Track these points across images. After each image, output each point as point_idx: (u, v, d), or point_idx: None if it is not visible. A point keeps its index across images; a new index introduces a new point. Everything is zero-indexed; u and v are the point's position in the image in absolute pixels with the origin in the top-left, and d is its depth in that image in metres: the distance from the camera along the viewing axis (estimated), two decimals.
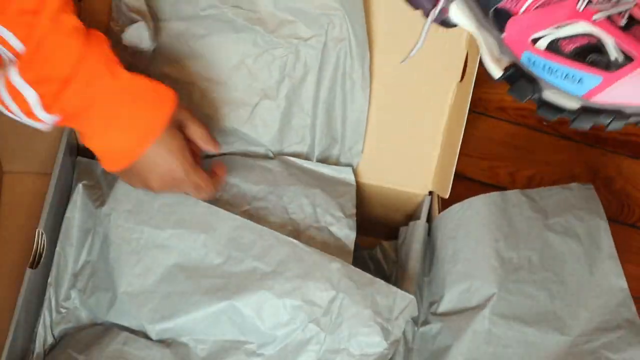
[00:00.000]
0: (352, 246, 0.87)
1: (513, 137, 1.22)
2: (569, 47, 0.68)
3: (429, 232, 0.93)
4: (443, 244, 0.89)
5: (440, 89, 0.90)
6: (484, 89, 1.21)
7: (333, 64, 0.87)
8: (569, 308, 0.85)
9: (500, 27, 0.71)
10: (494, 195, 0.90)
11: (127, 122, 0.75)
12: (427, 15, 0.73)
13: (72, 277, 0.86)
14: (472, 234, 0.88)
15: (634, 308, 0.85)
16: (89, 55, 0.72)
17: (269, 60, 0.87)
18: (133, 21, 0.84)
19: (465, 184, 1.17)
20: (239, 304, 0.79)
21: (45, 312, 0.85)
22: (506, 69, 0.72)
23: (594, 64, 0.67)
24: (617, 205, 1.17)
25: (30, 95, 0.72)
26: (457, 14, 0.73)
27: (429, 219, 0.93)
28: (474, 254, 0.87)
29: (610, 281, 0.86)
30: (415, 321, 0.87)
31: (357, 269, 0.81)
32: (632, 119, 0.67)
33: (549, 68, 0.69)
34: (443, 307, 0.87)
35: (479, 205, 0.89)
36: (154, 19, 0.87)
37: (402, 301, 0.80)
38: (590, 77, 0.67)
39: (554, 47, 0.69)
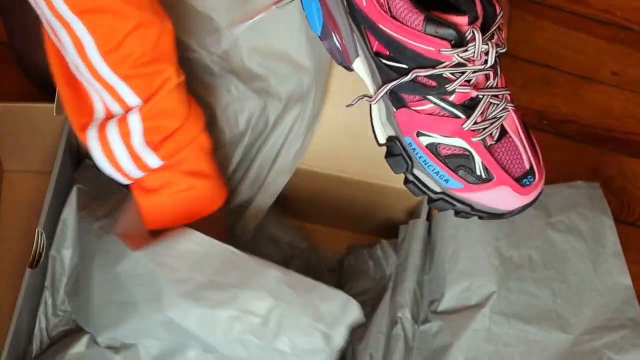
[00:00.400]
0: None
1: None
2: (445, 152, 0.75)
3: (430, 231, 0.93)
4: (443, 243, 0.89)
5: None
6: None
7: (287, 125, 0.89)
8: (571, 306, 0.85)
9: (394, 105, 0.77)
10: None
11: (211, 181, 0.82)
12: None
13: (67, 279, 0.87)
14: (473, 233, 0.88)
15: (638, 306, 0.85)
16: (192, 118, 0.79)
17: (238, 109, 0.88)
18: None
19: None
20: (173, 316, 0.77)
21: (40, 315, 0.85)
22: (390, 140, 0.79)
23: (460, 174, 0.75)
24: (617, 205, 1.17)
25: (137, 129, 0.76)
26: (360, 68, 0.79)
27: (429, 218, 0.93)
28: (475, 252, 0.87)
29: (614, 279, 0.86)
30: (415, 320, 0.87)
31: (298, 275, 0.79)
32: (477, 213, 0.77)
33: (424, 161, 0.76)
34: (443, 305, 0.87)
35: None
36: None
37: (344, 305, 0.78)
38: (455, 181, 0.76)
39: (432, 148, 0.76)
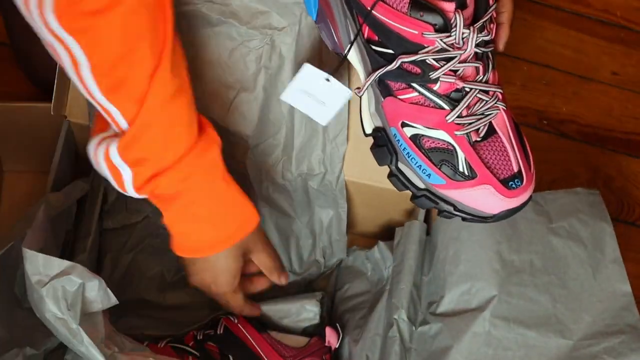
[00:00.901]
0: None
1: None
2: (429, 145, 0.75)
3: (430, 233, 0.92)
4: (444, 245, 0.89)
5: None
6: None
7: (309, 53, 0.87)
8: (571, 312, 0.85)
9: (382, 93, 0.77)
10: None
11: (206, 226, 0.80)
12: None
13: None
14: (475, 236, 0.88)
15: (637, 312, 0.85)
16: (194, 153, 0.74)
17: (244, 52, 0.87)
18: None
19: None
20: None
21: None
22: (376, 130, 0.79)
23: (443, 169, 0.75)
24: (617, 204, 1.17)
25: (126, 173, 0.73)
26: (353, 57, 0.79)
27: (429, 220, 0.93)
28: (476, 255, 0.87)
29: (613, 286, 0.86)
30: (412, 321, 0.87)
31: None
32: (460, 214, 0.76)
33: (408, 153, 0.76)
34: (443, 307, 0.87)
35: None
36: None
37: None
38: (437, 177, 0.75)
39: (416, 140, 0.76)
